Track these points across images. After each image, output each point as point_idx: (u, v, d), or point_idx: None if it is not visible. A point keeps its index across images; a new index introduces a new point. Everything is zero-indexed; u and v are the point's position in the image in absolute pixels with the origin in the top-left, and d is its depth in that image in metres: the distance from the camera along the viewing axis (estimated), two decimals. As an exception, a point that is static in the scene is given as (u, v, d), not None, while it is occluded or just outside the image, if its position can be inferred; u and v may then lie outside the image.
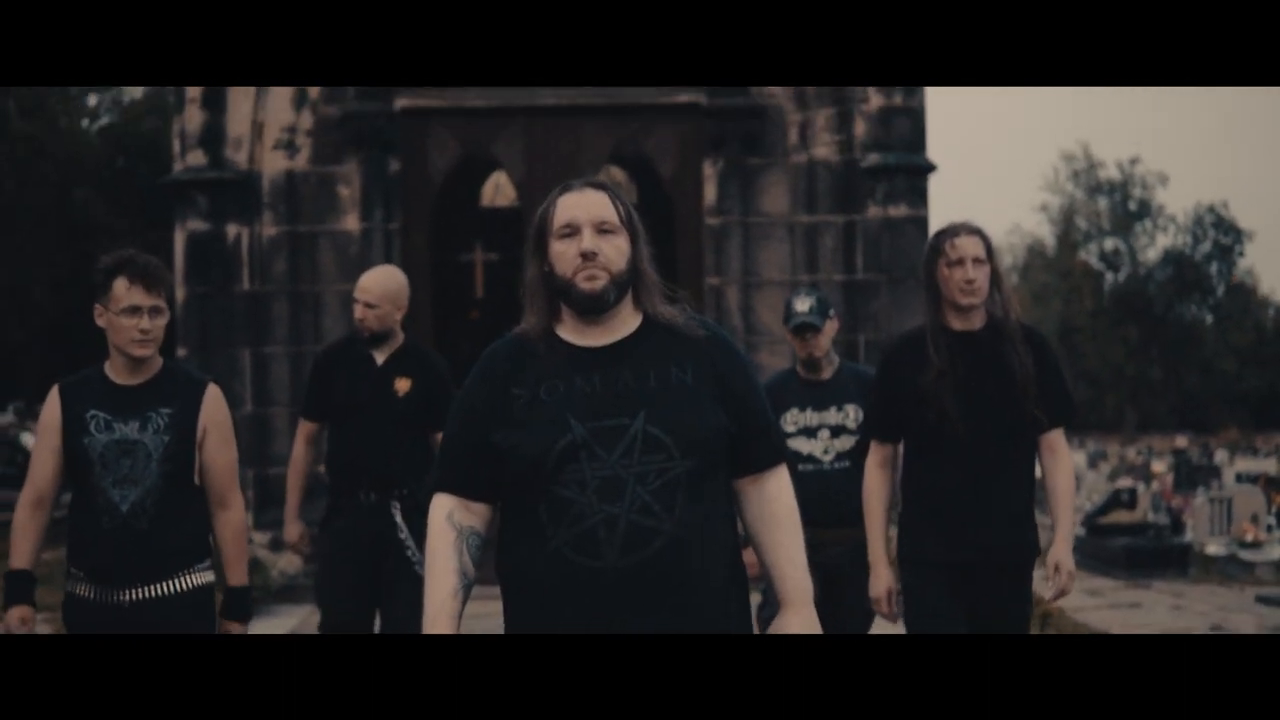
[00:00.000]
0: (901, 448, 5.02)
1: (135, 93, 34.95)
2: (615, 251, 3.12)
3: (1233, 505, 16.70)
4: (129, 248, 4.68)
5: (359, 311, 6.20)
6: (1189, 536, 15.40)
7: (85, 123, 34.43)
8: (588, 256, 3.08)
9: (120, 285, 4.46)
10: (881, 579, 5.00)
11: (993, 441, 4.76)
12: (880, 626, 5.86)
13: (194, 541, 4.60)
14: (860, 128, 12.00)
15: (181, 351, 11.73)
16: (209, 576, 4.61)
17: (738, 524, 3.21)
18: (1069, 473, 4.97)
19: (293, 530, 6.42)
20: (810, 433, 5.99)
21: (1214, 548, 14.61)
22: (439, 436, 5.93)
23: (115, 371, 4.58)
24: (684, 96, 11.91)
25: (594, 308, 3.11)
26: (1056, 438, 4.92)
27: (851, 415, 5.99)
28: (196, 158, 11.93)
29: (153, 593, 4.46)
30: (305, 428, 6.45)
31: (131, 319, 4.46)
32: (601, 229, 3.12)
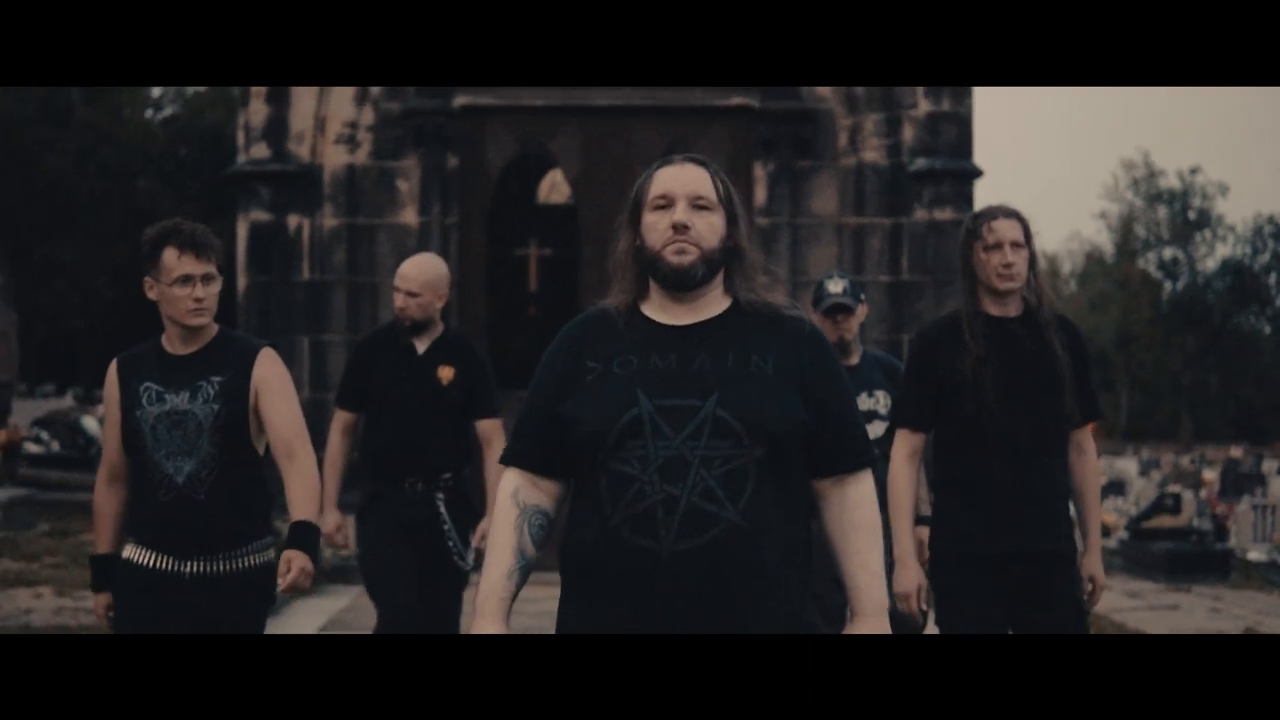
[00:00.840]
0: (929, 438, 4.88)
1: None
2: (708, 228, 3.05)
3: (1276, 512, 16.82)
4: (175, 218, 4.55)
5: (400, 300, 6.12)
6: (1232, 542, 15.50)
7: (149, 113, 34.85)
8: (679, 229, 3.01)
9: (170, 255, 4.34)
10: (910, 575, 4.79)
11: (1031, 431, 4.61)
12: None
13: (256, 516, 4.49)
14: (908, 132, 12.21)
15: (242, 338, 12.07)
16: (269, 556, 4.49)
17: (810, 524, 3.08)
18: (1096, 474, 4.84)
19: (331, 519, 6.21)
20: None
21: (1255, 554, 14.73)
22: (480, 425, 6.15)
23: (170, 342, 4.47)
24: (736, 99, 12.12)
25: (681, 283, 3.03)
26: (1085, 435, 4.78)
27: (882, 401, 5.94)
28: (260, 150, 12.28)
29: (212, 568, 4.35)
30: (342, 418, 6.34)
31: (184, 289, 4.34)
32: (697, 204, 3.05)
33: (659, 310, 3.08)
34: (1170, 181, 53.28)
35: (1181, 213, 53.11)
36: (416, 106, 12.30)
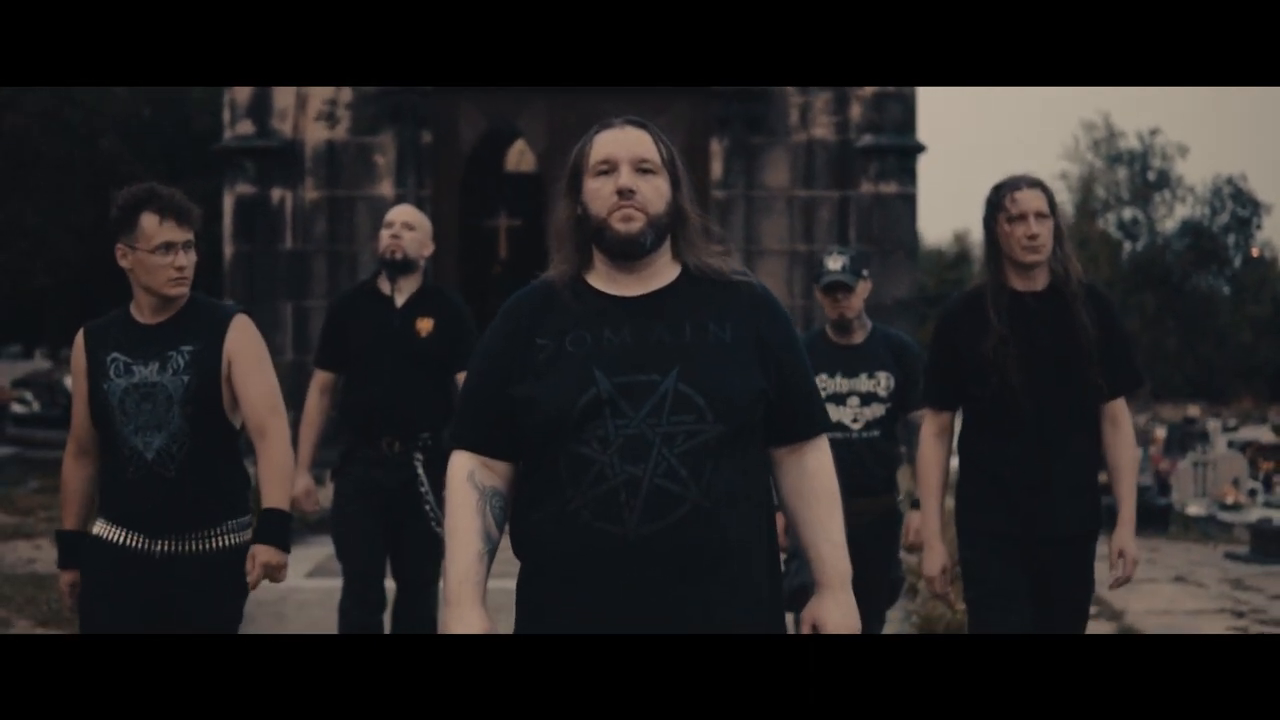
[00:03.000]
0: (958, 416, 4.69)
1: (162, 45, 35.30)
2: (654, 192, 2.86)
3: (1216, 469, 17.45)
4: (147, 182, 4.24)
5: (394, 232, 5.83)
6: (1174, 497, 16.00)
7: None
8: (624, 194, 2.83)
9: (149, 221, 4.05)
10: (936, 556, 4.61)
11: (1056, 409, 4.43)
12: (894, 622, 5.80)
13: (231, 493, 4.21)
14: (855, 110, 12.98)
15: (228, 303, 12.74)
16: (246, 537, 4.20)
17: (773, 496, 2.97)
18: (1131, 447, 4.59)
19: (300, 483, 5.82)
20: (839, 400, 5.59)
21: (1195, 508, 15.25)
22: (462, 378, 5.45)
23: (139, 311, 4.19)
24: (694, 78, 12.85)
25: (629, 251, 2.85)
26: (1118, 408, 4.54)
27: (883, 383, 5.64)
28: (245, 127, 12.97)
29: (185, 548, 4.10)
30: (320, 378, 6.05)
31: (166, 256, 4.07)
32: (641, 167, 2.86)
33: (606, 281, 2.90)
34: (1130, 143, 53.74)
35: (1141, 173, 53.56)
36: (392, 86, 12.97)
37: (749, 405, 2.82)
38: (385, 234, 5.86)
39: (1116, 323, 4.56)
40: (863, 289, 5.63)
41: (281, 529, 4.19)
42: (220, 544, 4.14)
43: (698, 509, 2.75)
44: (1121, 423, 4.53)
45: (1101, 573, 4.59)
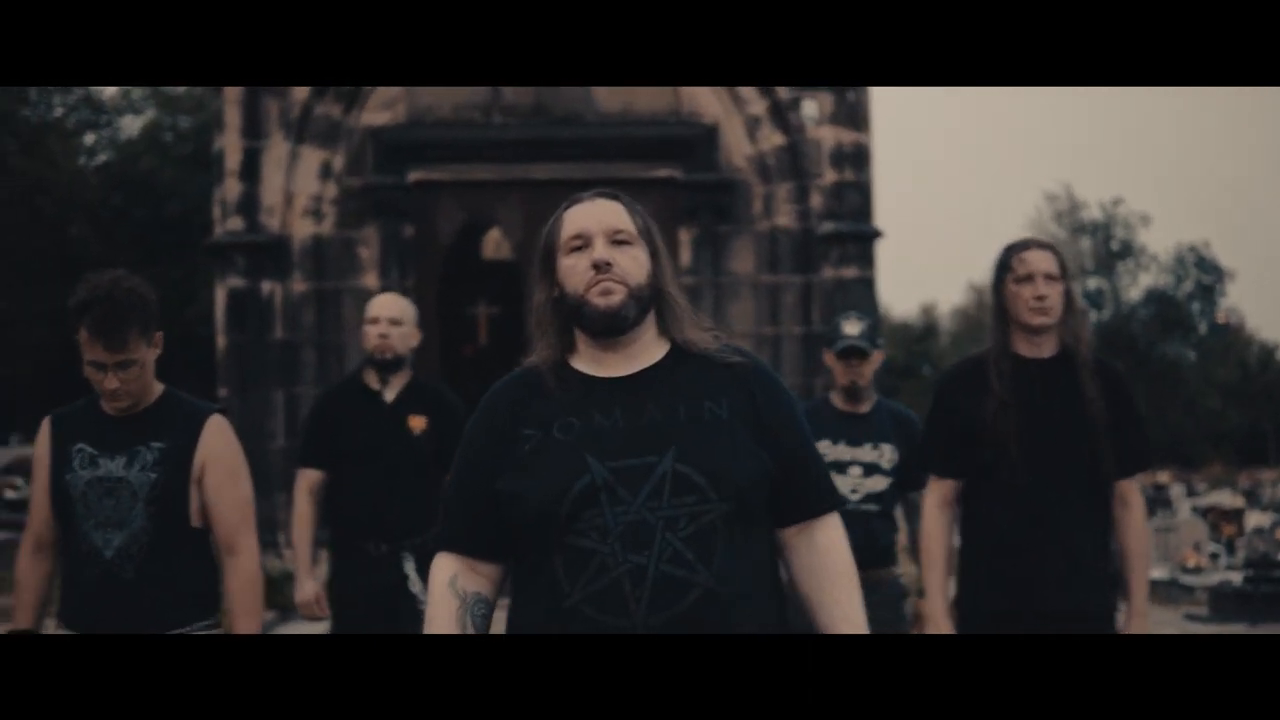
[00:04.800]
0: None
1: (132, 130, 35.44)
2: (633, 263, 2.72)
3: (1179, 534, 17.89)
4: (112, 273, 3.98)
5: (381, 330, 5.60)
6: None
7: (82, 160, 34.48)
8: (600, 268, 2.68)
9: (84, 335, 3.86)
10: (941, 632, 4.35)
11: (1058, 484, 4.20)
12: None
13: (193, 596, 3.97)
14: (816, 199, 13.61)
15: (222, 391, 13.30)
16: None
17: (781, 578, 2.80)
18: (1141, 529, 4.33)
19: (307, 589, 5.68)
20: (840, 469, 5.39)
21: (1158, 572, 15.40)
22: None
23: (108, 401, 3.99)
24: (663, 172, 13.49)
25: (611, 327, 2.69)
26: (1129, 489, 4.31)
27: (887, 455, 5.45)
28: (235, 223, 13.51)
29: None
30: (307, 477, 5.71)
31: (97, 374, 3.89)
32: (616, 239, 2.72)
33: (591, 363, 2.74)
34: (1093, 213, 54.45)
35: (1104, 243, 54.18)
36: (375, 182, 13.59)
37: (753, 484, 2.65)
38: (372, 331, 5.63)
39: (1128, 398, 4.33)
40: (877, 357, 5.48)
41: None
42: None
43: (710, 594, 2.56)
44: (1132, 504, 4.31)
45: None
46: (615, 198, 2.81)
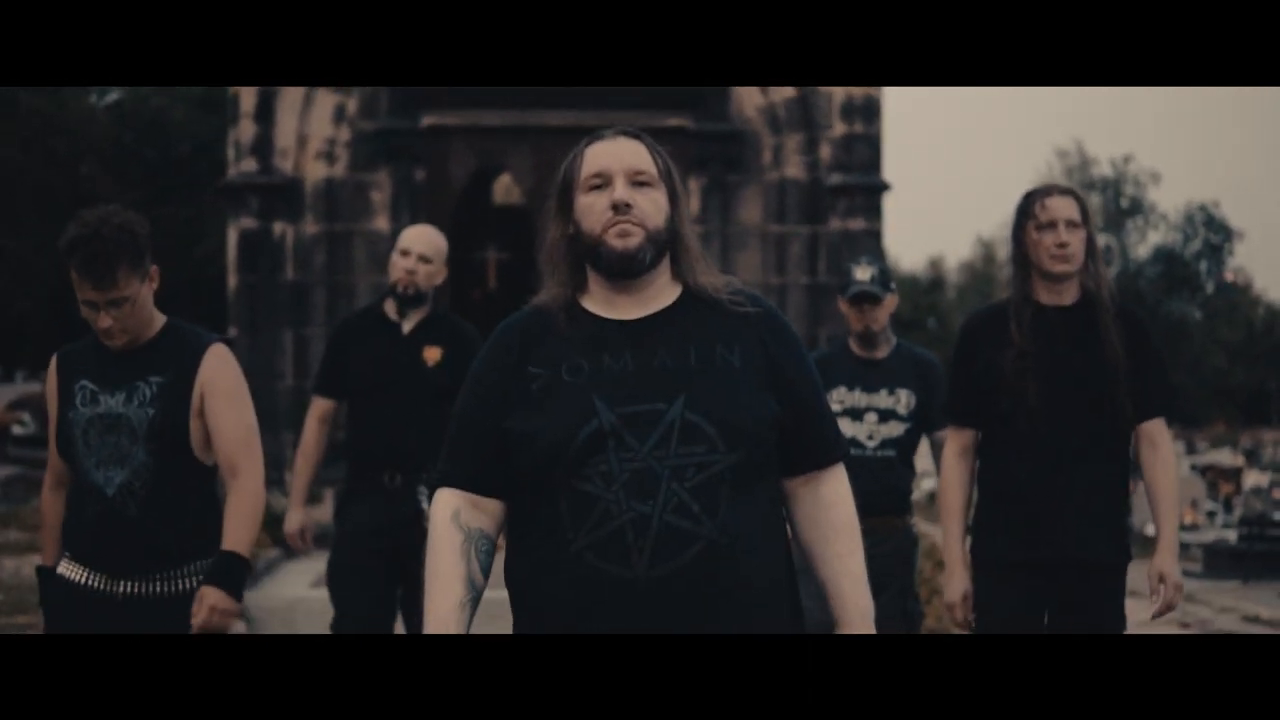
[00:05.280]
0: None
1: (142, 68, 35.33)
2: (652, 205, 2.65)
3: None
4: (103, 209, 3.89)
5: (409, 265, 5.44)
6: (1133, 519, 16.66)
7: (93, 98, 34.33)
8: (619, 209, 2.62)
9: (74, 274, 3.79)
10: (957, 582, 4.37)
11: (1076, 429, 4.18)
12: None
13: (199, 533, 3.91)
14: (825, 151, 13.74)
15: (233, 331, 13.48)
16: None
17: (787, 529, 2.75)
18: (1169, 470, 4.29)
19: (293, 520, 5.61)
20: (856, 415, 5.34)
21: (1153, 529, 16.04)
22: None
23: None
24: (672, 120, 13.55)
25: (627, 269, 2.63)
26: (1155, 430, 4.26)
27: (904, 401, 5.38)
28: (249, 164, 13.67)
29: (149, 589, 3.84)
30: (319, 405, 5.66)
31: (91, 313, 3.82)
32: (637, 180, 2.65)
33: (603, 304, 2.69)
34: (1103, 170, 54.22)
35: (1114, 200, 54.00)
36: (388, 125, 13.72)
37: (763, 433, 2.61)
38: (400, 263, 5.49)
39: (1150, 343, 4.30)
40: (890, 302, 5.38)
41: (237, 574, 3.87)
42: (186, 586, 3.87)
43: (713, 547, 2.52)
44: (1160, 444, 4.27)
45: (1134, 610, 4.43)
46: (638, 137, 2.72)
